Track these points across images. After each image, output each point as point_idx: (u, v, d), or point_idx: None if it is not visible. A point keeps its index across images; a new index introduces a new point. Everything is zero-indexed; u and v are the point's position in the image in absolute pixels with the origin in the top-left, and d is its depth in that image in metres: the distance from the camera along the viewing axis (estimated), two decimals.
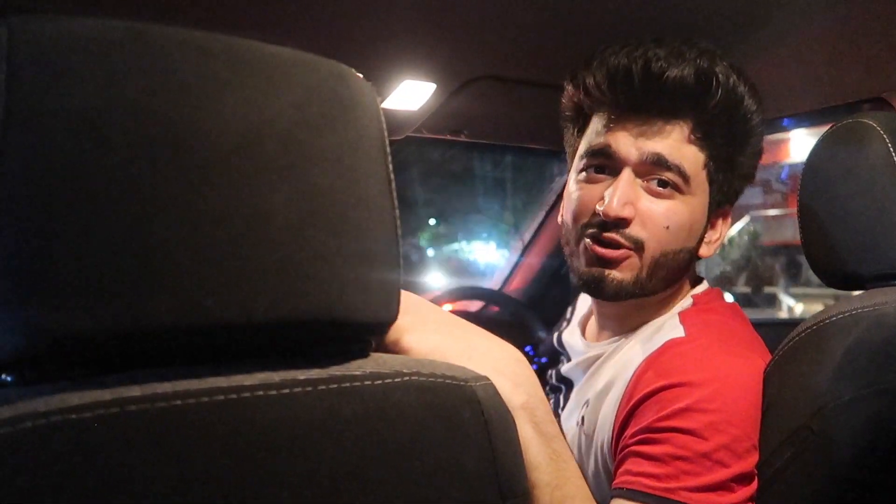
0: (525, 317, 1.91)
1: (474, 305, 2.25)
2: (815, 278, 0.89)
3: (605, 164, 0.86)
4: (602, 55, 0.85)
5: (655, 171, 0.84)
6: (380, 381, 0.48)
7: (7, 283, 0.38)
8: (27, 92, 0.38)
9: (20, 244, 0.38)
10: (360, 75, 0.51)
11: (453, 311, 2.06)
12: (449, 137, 1.60)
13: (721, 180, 0.87)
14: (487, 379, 0.54)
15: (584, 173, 0.89)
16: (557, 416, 0.97)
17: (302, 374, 0.45)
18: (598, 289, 0.86)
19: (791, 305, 5.90)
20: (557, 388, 1.02)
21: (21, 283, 0.38)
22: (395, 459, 0.47)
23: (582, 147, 0.89)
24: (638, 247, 0.84)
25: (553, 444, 0.61)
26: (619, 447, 0.78)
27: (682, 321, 0.86)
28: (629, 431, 0.77)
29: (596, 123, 0.89)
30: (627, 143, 0.84)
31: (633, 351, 0.87)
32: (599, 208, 0.83)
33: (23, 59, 0.39)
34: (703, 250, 0.90)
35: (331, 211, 0.46)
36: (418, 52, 1.19)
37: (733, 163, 0.88)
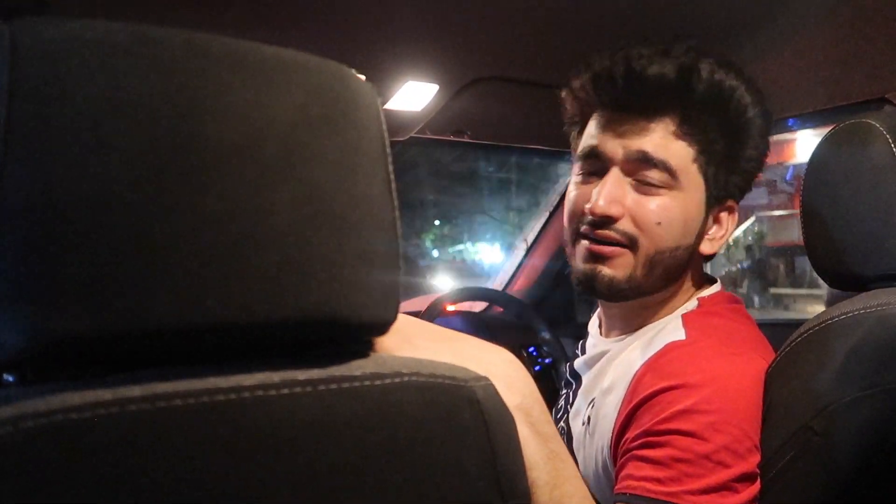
0: (529, 317, 1.91)
1: (478, 306, 2.25)
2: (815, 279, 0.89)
3: (595, 164, 0.87)
4: (588, 58, 0.87)
5: (642, 168, 0.84)
6: (380, 382, 0.48)
7: (9, 283, 0.38)
8: (30, 94, 0.39)
9: (23, 245, 0.38)
10: (362, 76, 0.51)
11: (457, 312, 2.07)
12: (452, 138, 1.61)
13: (716, 174, 0.87)
14: (487, 379, 0.54)
15: (579, 175, 0.90)
16: (567, 411, 0.98)
17: (302, 374, 0.45)
18: (591, 286, 0.86)
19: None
20: (569, 383, 1.03)
21: (23, 283, 0.38)
22: (395, 459, 0.47)
23: (577, 150, 0.91)
24: (632, 243, 0.84)
25: (550, 445, 0.61)
26: (621, 451, 0.79)
27: (684, 323, 0.86)
28: (630, 434, 0.77)
29: (589, 126, 0.90)
30: (613, 143, 0.85)
31: (635, 353, 0.87)
32: (587, 207, 0.84)
33: (26, 62, 0.39)
34: (706, 247, 0.89)
35: (331, 211, 0.46)
36: (421, 53, 1.19)
37: (730, 157, 0.87)
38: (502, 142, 1.78)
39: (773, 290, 6.11)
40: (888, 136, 0.79)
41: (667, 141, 0.84)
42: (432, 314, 1.78)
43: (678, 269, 0.88)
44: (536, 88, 1.32)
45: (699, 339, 0.82)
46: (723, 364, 0.78)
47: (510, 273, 2.26)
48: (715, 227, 0.90)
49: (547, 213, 2.12)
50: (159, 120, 0.41)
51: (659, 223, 0.84)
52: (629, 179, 0.85)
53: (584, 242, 0.86)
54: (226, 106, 0.43)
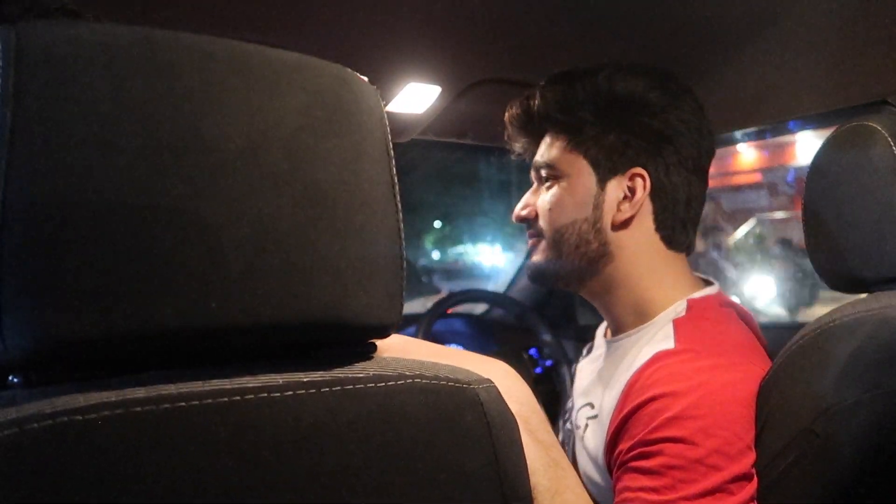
0: (530, 319, 1.91)
1: (479, 308, 2.25)
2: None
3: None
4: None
5: (539, 174, 1.01)
6: (383, 384, 0.48)
7: (15, 285, 0.38)
8: (35, 97, 0.39)
9: (27, 247, 0.38)
10: (365, 78, 0.52)
11: (458, 314, 2.07)
12: (454, 140, 1.61)
13: (597, 151, 0.95)
14: (490, 382, 0.54)
15: None
16: (572, 412, 1.00)
17: (305, 377, 0.45)
18: (530, 275, 1.04)
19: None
20: (573, 384, 1.07)
21: (28, 285, 0.38)
22: (398, 462, 0.47)
23: None
24: (539, 232, 1.00)
25: (550, 453, 0.61)
26: (616, 463, 0.80)
27: (674, 330, 0.87)
28: (623, 446, 0.79)
29: None
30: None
31: (628, 359, 0.90)
32: None
33: (30, 65, 0.39)
34: (618, 216, 0.95)
35: (335, 214, 0.46)
36: (423, 55, 1.19)
37: (610, 134, 0.95)
38: (504, 144, 1.78)
39: None
40: (889, 138, 0.79)
41: (546, 146, 1.00)
42: (433, 316, 1.78)
43: (590, 241, 0.95)
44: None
45: (687, 347, 0.84)
46: (710, 370, 0.79)
47: (511, 275, 2.26)
48: (626, 200, 0.95)
49: None
50: (163, 123, 0.41)
51: (549, 209, 0.98)
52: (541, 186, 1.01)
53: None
54: (229, 109, 0.43)
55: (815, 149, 0.89)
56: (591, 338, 1.12)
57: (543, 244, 1.00)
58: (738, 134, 1.45)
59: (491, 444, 0.51)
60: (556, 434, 1.03)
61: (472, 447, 0.50)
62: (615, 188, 0.95)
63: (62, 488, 0.37)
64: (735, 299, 1.01)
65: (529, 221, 1.02)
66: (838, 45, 1.14)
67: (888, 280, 0.79)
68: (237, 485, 0.42)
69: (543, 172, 1.00)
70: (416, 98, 1.33)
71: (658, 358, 0.83)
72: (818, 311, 0.84)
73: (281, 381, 0.44)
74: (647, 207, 0.95)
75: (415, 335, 1.71)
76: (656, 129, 0.94)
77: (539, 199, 1.01)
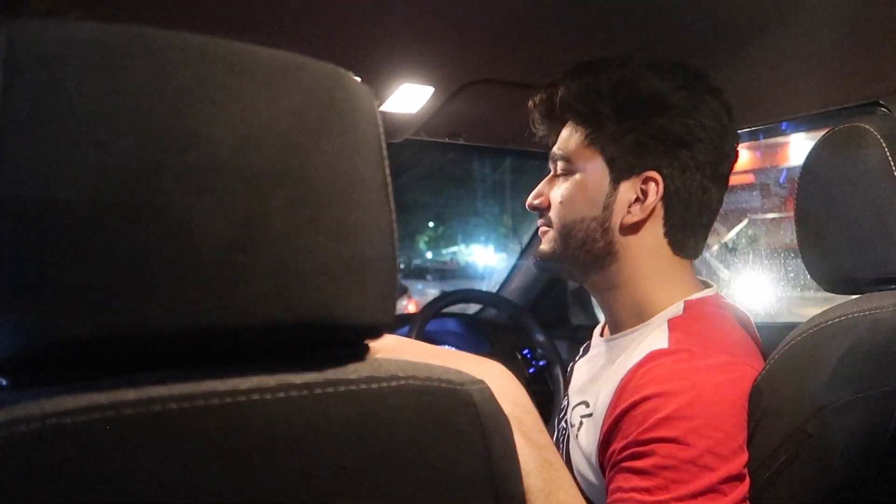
0: (523, 320, 1.91)
1: (472, 308, 2.25)
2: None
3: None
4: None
5: (556, 164, 1.01)
6: (376, 385, 0.48)
7: (4, 285, 0.38)
8: (25, 96, 0.38)
9: (18, 247, 0.38)
10: (358, 79, 0.51)
11: (451, 314, 2.07)
12: (447, 141, 1.61)
13: (615, 150, 0.94)
14: (483, 383, 0.54)
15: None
16: (567, 411, 1.00)
17: (298, 378, 0.45)
18: (535, 262, 1.04)
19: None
20: (569, 384, 1.07)
21: (17, 287, 0.38)
22: (391, 463, 0.47)
23: None
24: (549, 222, 1.01)
25: (544, 454, 0.61)
26: (609, 463, 0.80)
27: (669, 330, 0.87)
28: (616, 446, 0.79)
29: None
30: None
31: (622, 358, 0.90)
32: None
33: (22, 63, 0.39)
34: (627, 218, 0.94)
35: (328, 215, 0.46)
36: (416, 55, 1.19)
37: (629, 134, 0.93)
38: (498, 144, 1.78)
39: None
40: (882, 140, 0.80)
41: (567, 137, 0.99)
42: (427, 316, 1.78)
43: (597, 240, 0.95)
44: (532, 91, 1.32)
45: (681, 346, 0.84)
46: (703, 370, 0.79)
47: (504, 275, 2.26)
48: (636, 203, 0.94)
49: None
50: (155, 122, 0.41)
51: (560, 202, 0.98)
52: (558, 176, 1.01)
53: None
54: (222, 108, 0.43)
55: (807, 149, 0.90)
56: (585, 338, 1.12)
57: (551, 234, 1.00)
58: None
59: (484, 445, 0.51)
60: (551, 433, 1.03)
61: (465, 448, 0.50)
62: (628, 189, 0.94)
63: (52, 491, 0.37)
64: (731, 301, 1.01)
65: (540, 211, 1.03)
66: (831, 48, 1.14)
67: (880, 281, 0.80)
68: (229, 487, 0.41)
69: (559, 164, 1.00)
70: (409, 98, 1.33)
71: (652, 357, 0.83)
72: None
73: (273, 382, 0.44)
74: (659, 211, 0.94)
75: (408, 335, 1.71)
76: (675, 133, 0.93)
77: (552, 191, 1.01)
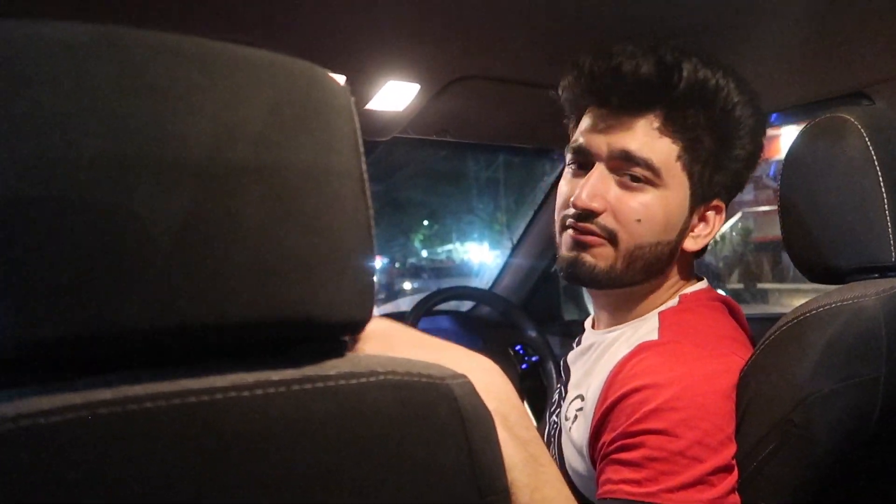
0: (515, 316, 1.92)
1: (465, 305, 2.25)
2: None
3: (583, 160, 0.90)
4: (578, 56, 0.88)
5: (626, 166, 0.86)
6: (354, 381, 0.48)
7: None
8: None
9: None
10: (335, 76, 0.51)
11: (444, 311, 2.07)
12: (435, 138, 1.61)
13: (702, 173, 0.88)
14: (464, 377, 0.54)
15: (569, 169, 0.93)
16: (559, 405, 0.99)
17: (276, 375, 0.45)
18: (573, 273, 0.89)
19: None
20: (562, 378, 1.05)
21: None
22: (371, 458, 0.47)
23: (570, 143, 0.93)
24: (611, 237, 0.87)
25: (529, 449, 0.61)
26: (599, 455, 0.80)
27: (660, 322, 0.87)
28: (606, 438, 0.78)
29: (581, 121, 0.92)
30: (599, 140, 0.87)
31: (611, 353, 0.89)
32: (572, 199, 0.87)
33: None
34: (689, 244, 0.90)
35: (304, 210, 0.46)
36: (401, 52, 1.19)
37: (717, 155, 0.88)
38: (485, 140, 1.78)
39: (758, 286, 6.14)
40: (863, 130, 0.80)
41: (650, 138, 0.85)
42: (419, 313, 1.78)
43: (660, 263, 0.89)
44: (518, 87, 1.32)
45: (671, 338, 0.83)
46: (692, 362, 0.79)
47: (497, 272, 2.27)
48: (701, 225, 0.91)
49: (532, 212, 2.12)
50: (127, 120, 0.41)
51: (639, 220, 0.86)
52: (614, 175, 0.87)
53: (569, 231, 0.89)
54: (195, 106, 0.43)
55: None
56: (577, 333, 1.12)
57: (609, 251, 0.87)
58: None
59: (465, 438, 0.51)
60: (542, 427, 1.03)
61: (446, 442, 0.50)
62: (698, 215, 0.90)
63: (27, 492, 0.37)
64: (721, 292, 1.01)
65: (591, 215, 0.87)
66: (815, 38, 1.15)
67: (863, 270, 0.80)
68: (207, 486, 0.41)
69: (637, 171, 0.85)
70: (395, 96, 1.33)
71: (641, 349, 0.83)
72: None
73: (251, 379, 0.44)
74: None
75: None
76: (742, 159, 0.90)
77: (619, 201, 0.86)
